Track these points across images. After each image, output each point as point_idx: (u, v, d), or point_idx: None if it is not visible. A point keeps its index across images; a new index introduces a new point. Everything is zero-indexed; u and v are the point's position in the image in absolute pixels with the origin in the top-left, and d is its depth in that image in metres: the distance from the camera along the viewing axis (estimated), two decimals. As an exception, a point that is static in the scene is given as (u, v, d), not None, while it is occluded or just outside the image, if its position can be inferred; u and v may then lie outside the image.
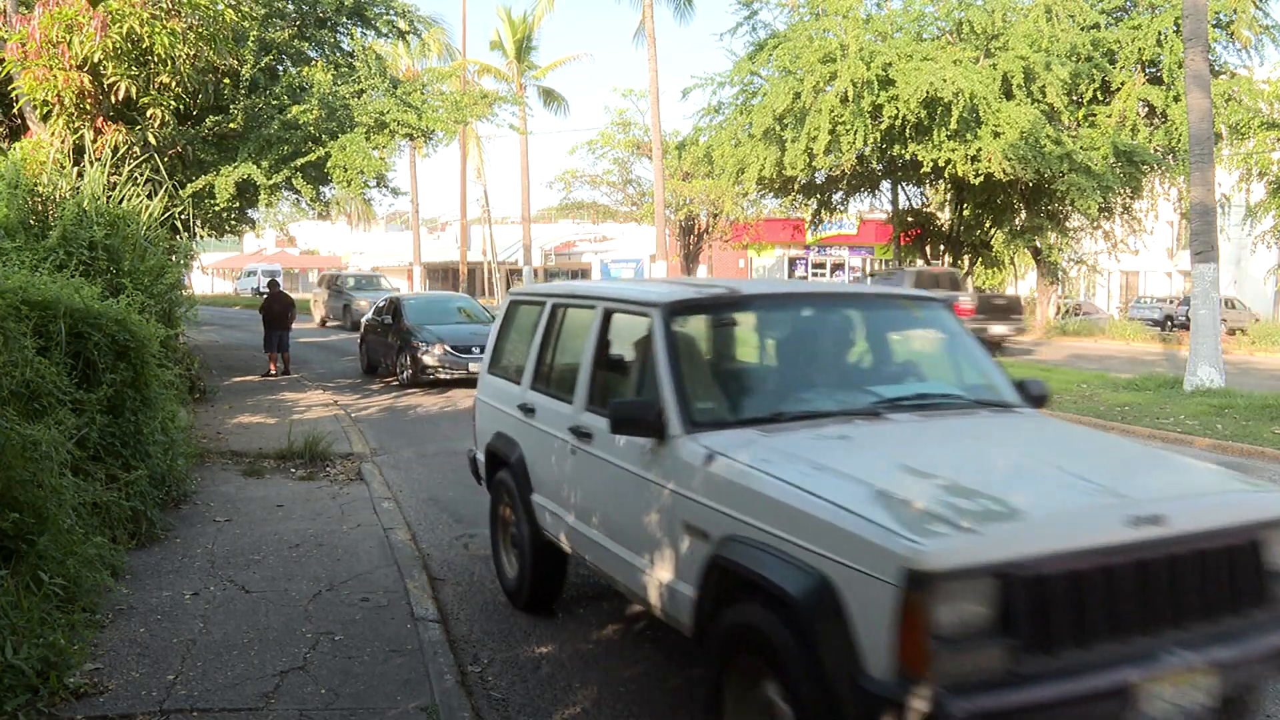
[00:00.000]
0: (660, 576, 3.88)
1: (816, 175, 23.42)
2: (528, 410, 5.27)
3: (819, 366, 4.49)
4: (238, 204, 15.08)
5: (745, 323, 4.72)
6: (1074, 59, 20.00)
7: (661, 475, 3.83)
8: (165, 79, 11.00)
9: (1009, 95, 19.61)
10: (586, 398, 4.64)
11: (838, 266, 47.08)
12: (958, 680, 2.64)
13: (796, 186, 24.06)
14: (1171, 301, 38.37)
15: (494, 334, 6.23)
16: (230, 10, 12.03)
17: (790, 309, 4.77)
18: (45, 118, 10.90)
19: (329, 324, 31.07)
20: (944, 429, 3.92)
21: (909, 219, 25.30)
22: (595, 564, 4.58)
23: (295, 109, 13.34)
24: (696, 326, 4.50)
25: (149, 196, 10.66)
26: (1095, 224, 23.10)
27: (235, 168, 12.83)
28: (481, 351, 15.57)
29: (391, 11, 16.00)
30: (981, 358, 4.60)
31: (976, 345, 4.65)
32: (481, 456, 6.11)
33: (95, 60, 10.43)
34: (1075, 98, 20.98)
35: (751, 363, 4.76)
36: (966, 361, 4.61)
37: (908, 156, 21.26)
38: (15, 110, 12.17)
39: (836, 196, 25.63)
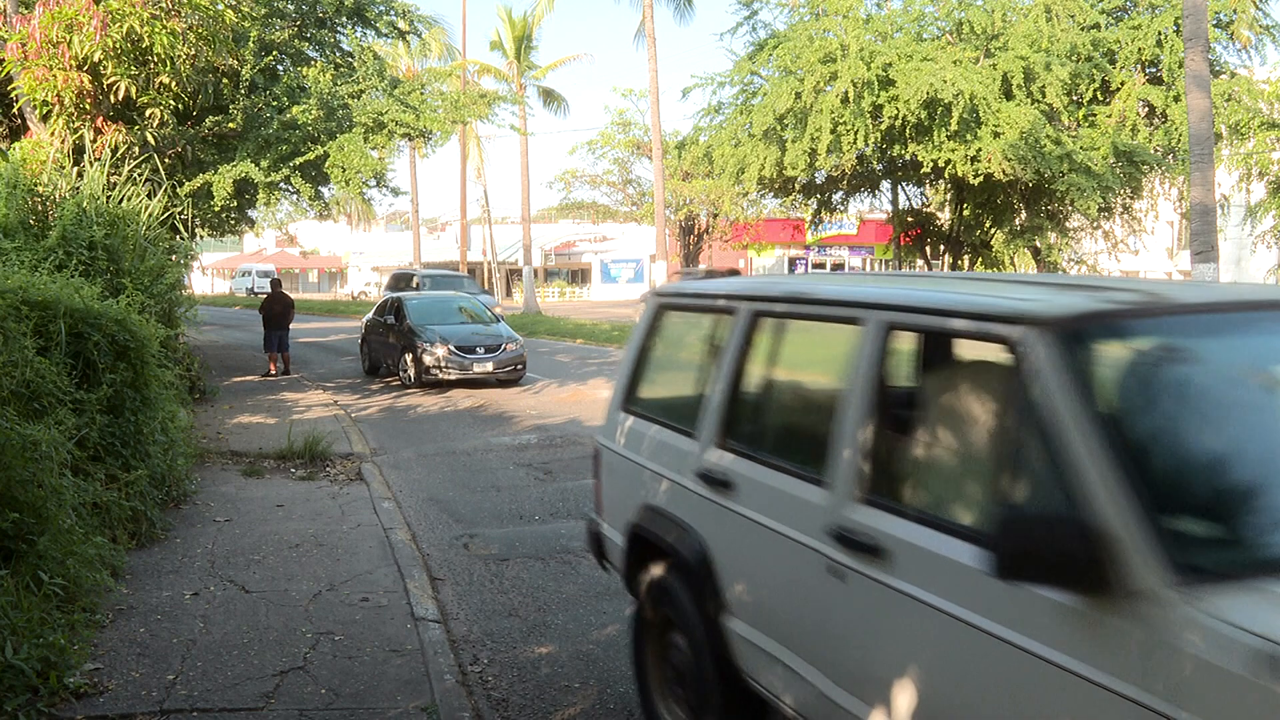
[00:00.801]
0: None
1: (816, 175, 23.40)
2: (718, 483, 3.45)
3: None
4: (236, 204, 15.10)
5: (1188, 352, 2.60)
6: (1074, 59, 19.98)
7: (1119, 671, 2.04)
8: (165, 79, 11.01)
9: (1009, 95, 19.60)
10: (863, 482, 2.84)
11: (838, 266, 47.17)
12: None
13: (797, 186, 24.04)
14: (1171, 301, 38.27)
15: (632, 353, 4.39)
16: (230, 10, 12.04)
17: (1256, 330, 2.74)
18: (45, 118, 10.90)
19: None
20: None
21: (909, 219, 25.28)
22: None
23: (294, 109, 13.35)
24: (1118, 363, 2.58)
25: (149, 196, 10.67)
26: (1095, 224, 23.08)
27: (233, 166, 12.84)
28: (485, 352, 15.70)
29: (391, 12, 16.00)
30: None
31: None
32: (619, 539, 4.16)
33: (95, 60, 10.44)
34: (1075, 98, 20.96)
35: (1213, 426, 2.49)
36: None
37: (908, 156, 21.25)
38: (15, 110, 12.17)
39: (836, 196, 25.61)
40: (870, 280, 3.67)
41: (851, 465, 2.88)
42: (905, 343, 3.06)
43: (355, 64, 15.16)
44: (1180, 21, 17.12)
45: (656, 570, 3.82)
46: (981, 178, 19.93)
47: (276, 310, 17.02)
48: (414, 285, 25.20)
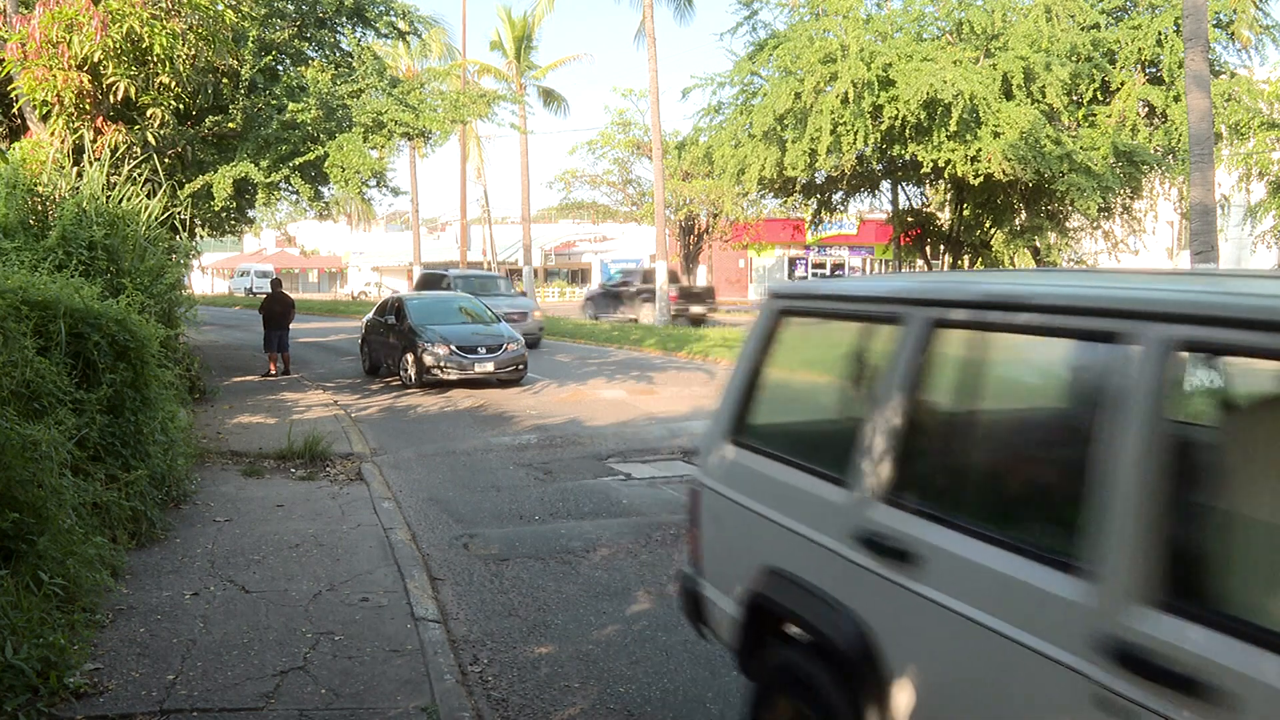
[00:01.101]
0: None
1: (816, 175, 23.43)
2: (890, 552, 2.63)
3: None
4: (236, 204, 15.09)
5: None
6: (1074, 59, 20.00)
7: None
8: (165, 79, 11.01)
9: (1009, 95, 19.62)
10: (1157, 576, 1.99)
11: (838, 266, 47.21)
12: None
13: (797, 187, 24.07)
14: (1171, 301, 38.23)
15: (744, 370, 3.47)
16: (230, 10, 12.03)
17: None
18: (45, 118, 10.90)
19: None
20: None
21: (909, 219, 25.30)
22: None
23: (294, 109, 13.35)
24: None
25: (149, 196, 10.67)
26: (1095, 224, 23.11)
27: (233, 166, 12.85)
28: (486, 352, 15.68)
29: (391, 12, 16.00)
30: None
31: None
32: (731, 606, 3.36)
33: (95, 60, 10.43)
34: (1075, 98, 20.97)
35: None
36: None
37: (908, 157, 21.27)
38: (15, 110, 12.17)
39: (836, 196, 25.63)
40: (1105, 278, 2.65)
41: (1134, 549, 1.99)
42: (1197, 368, 2.21)
43: (355, 64, 15.16)
44: (1180, 21, 17.13)
45: (788, 654, 3.02)
46: (981, 178, 19.95)
47: (276, 310, 17.03)
48: (445, 286, 24.07)
